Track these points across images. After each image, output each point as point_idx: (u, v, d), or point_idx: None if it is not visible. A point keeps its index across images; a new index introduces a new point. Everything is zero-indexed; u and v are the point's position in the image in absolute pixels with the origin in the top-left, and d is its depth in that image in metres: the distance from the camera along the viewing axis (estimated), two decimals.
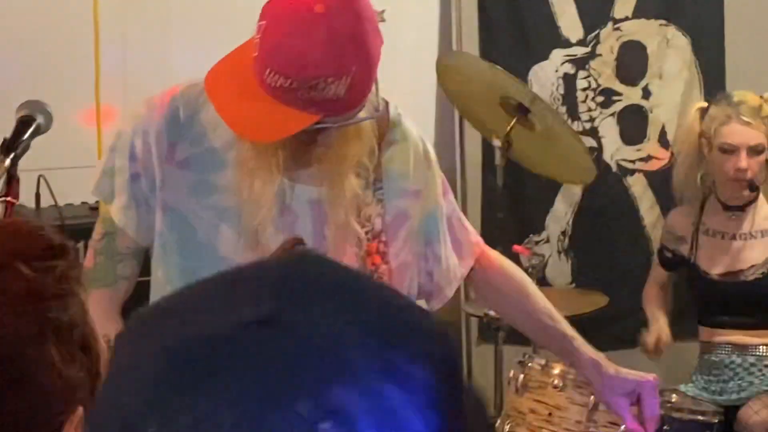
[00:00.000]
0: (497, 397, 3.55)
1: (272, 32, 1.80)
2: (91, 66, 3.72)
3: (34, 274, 1.16)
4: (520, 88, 3.51)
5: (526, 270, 3.71)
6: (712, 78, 4.48)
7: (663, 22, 4.48)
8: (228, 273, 0.80)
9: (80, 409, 1.16)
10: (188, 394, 0.67)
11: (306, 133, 1.87)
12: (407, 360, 0.70)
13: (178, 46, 3.84)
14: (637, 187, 4.52)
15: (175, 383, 0.68)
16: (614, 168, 4.50)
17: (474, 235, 2.29)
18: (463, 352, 4.34)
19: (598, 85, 4.47)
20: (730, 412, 3.43)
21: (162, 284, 2.05)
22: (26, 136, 1.99)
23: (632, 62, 4.48)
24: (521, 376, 3.12)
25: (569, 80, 4.43)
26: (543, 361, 3.11)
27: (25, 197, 3.40)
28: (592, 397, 2.61)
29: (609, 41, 4.46)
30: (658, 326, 3.67)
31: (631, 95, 4.49)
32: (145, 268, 2.13)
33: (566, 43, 4.43)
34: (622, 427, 2.24)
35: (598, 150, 4.44)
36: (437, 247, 2.16)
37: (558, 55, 4.42)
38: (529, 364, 3.13)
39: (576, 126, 4.41)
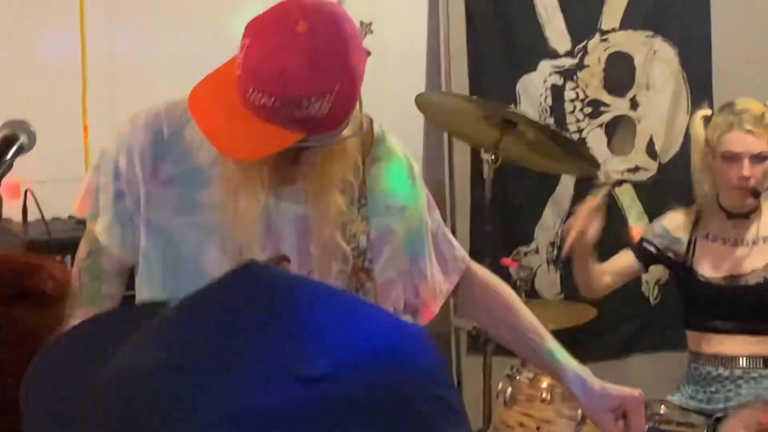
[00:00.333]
0: (486, 409, 3.54)
1: (255, 51, 1.80)
2: (78, 79, 3.72)
3: None
4: (496, 109, 3.51)
5: (514, 282, 3.73)
6: (699, 89, 4.49)
7: (650, 33, 4.49)
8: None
9: None
10: None
11: (290, 151, 1.86)
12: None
13: (165, 61, 3.83)
14: (625, 197, 4.53)
15: None
16: (603, 178, 4.49)
17: (459, 251, 2.29)
18: (452, 364, 4.33)
19: (586, 96, 4.47)
20: (717, 422, 3.44)
21: None
22: (9, 155, 1.98)
23: (620, 73, 4.49)
24: (509, 389, 3.13)
25: (557, 91, 4.44)
26: (531, 375, 3.11)
27: (13, 211, 3.41)
28: (580, 410, 2.61)
29: (596, 52, 4.47)
30: (581, 212, 3.59)
31: (618, 106, 4.50)
32: (131, 283, 2.13)
33: (554, 55, 4.43)
34: None
35: (591, 157, 4.44)
36: (423, 263, 2.15)
37: (546, 66, 4.43)
38: (518, 378, 3.14)
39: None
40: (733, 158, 3.45)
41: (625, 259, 3.75)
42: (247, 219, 1.93)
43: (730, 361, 3.60)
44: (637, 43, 4.49)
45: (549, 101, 4.43)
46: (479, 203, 4.09)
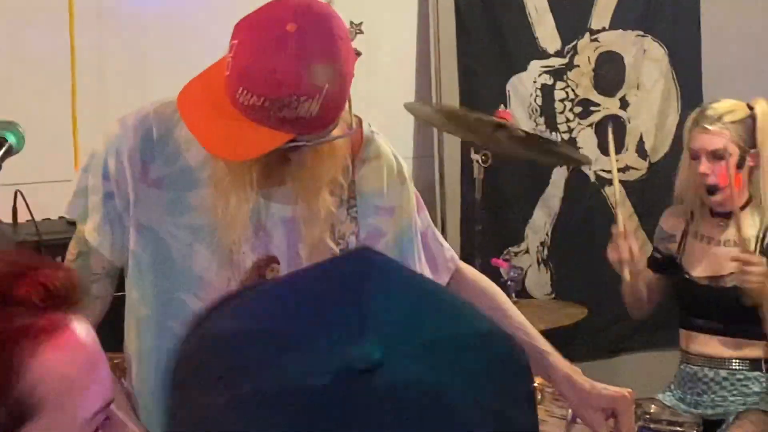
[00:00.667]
0: None
1: (244, 51, 1.80)
2: (67, 80, 3.71)
3: None
4: (488, 120, 3.51)
5: (505, 282, 3.73)
6: (689, 88, 4.50)
7: (640, 33, 4.50)
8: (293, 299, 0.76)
9: None
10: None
11: (279, 152, 1.86)
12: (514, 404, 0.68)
13: (155, 61, 3.83)
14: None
15: None
16: (593, 178, 4.51)
17: (448, 251, 2.29)
18: None
19: (576, 96, 4.48)
20: (706, 425, 3.45)
21: (136, 304, 2.04)
22: None
23: (610, 73, 4.49)
24: None
25: (547, 91, 4.44)
26: None
27: (2, 212, 3.40)
28: (570, 410, 2.61)
29: (586, 52, 4.47)
30: (623, 241, 3.64)
31: (608, 106, 4.51)
32: (121, 284, 2.12)
33: (544, 54, 4.43)
34: None
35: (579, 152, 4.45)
36: (412, 263, 2.15)
37: (536, 66, 4.43)
38: None
39: (554, 137, 4.41)
40: (694, 156, 3.53)
41: (651, 279, 3.80)
42: (237, 220, 1.93)
43: (714, 362, 3.61)
44: (626, 43, 4.50)
45: (539, 101, 4.43)
46: (470, 203, 4.09)
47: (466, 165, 4.21)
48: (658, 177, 4.45)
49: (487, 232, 4.15)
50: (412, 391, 0.66)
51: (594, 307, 3.94)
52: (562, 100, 4.46)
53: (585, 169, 4.47)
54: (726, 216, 3.59)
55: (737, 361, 3.60)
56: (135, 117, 2.01)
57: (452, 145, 4.26)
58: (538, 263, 4.48)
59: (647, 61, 4.52)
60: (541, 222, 4.48)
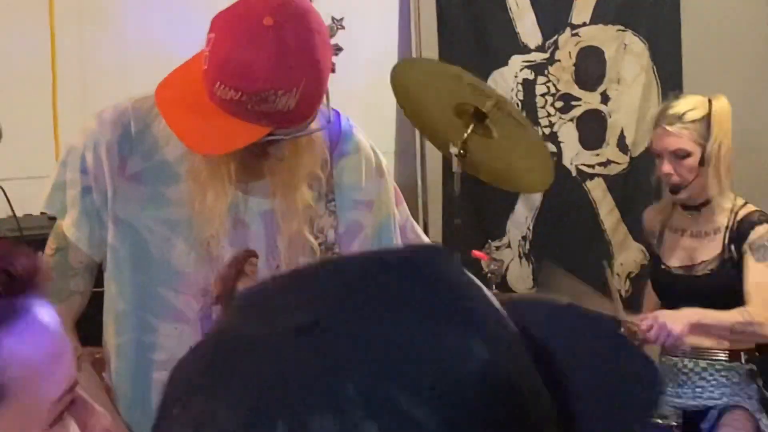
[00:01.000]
0: None
1: (221, 45, 1.80)
2: (48, 76, 3.70)
3: None
4: (483, 88, 3.49)
5: (485, 275, 3.73)
6: (670, 83, 4.50)
7: (620, 27, 4.50)
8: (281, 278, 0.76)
9: None
10: (202, 390, 0.67)
11: (257, 146, 1.86)
12: (410, 401, 0.64)
13: (135, 57, 3.82)
14: (597, 191, 4.54)
15: (198, 378, 0.68)
16: (574, 173, 4.52)
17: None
18: None
19: (557, 91, 4.48)
20: (686, 416, 3.47)
21: (115, 298, 2.04)
22: None
23: (590, 67, 4.50)
24: None
25: (528, 86, 4.45)
26: None
27: None
28: None
29: (567, 47, 4.48)
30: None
31: (589, 100, 4.52)
32: (99, 280, 2.12)
33: (525, 49, 4.44)
34: None
35: (558, 155, 4.45)
36: None
37: (517, 61, 4.44)
38: None
39: (536, 131, 4.42)
40: (657, 155, 3.56)
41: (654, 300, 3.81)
42: (215, 214, 1.93)
43: (694, 352, 3.64)
44: (607, 38, 4.51)
45: (520, 96, 4.43)
46: (451, 198, 4.09)
47: (447, 160, 4.22)
48: (639, 171, 4.46)
49: (470, 227, 4.16)
50: (311, 357, 0.66)
51: (575, 300, 3.94)
52: (543, 95, 4.47)
53: (566, 163, 4.48)
54: (695, 208, 3.63)
55: (717, 351, 3.63)
56: (113, 112, 2.01)
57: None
58: (520, 257, 4.49)
59: (628, 55, 4.52)
60: (522, 216, 4.49)
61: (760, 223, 3.55)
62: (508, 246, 4.47)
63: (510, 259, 4.46)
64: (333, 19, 2.56)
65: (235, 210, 1.97)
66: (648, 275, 3.84)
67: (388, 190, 2.16)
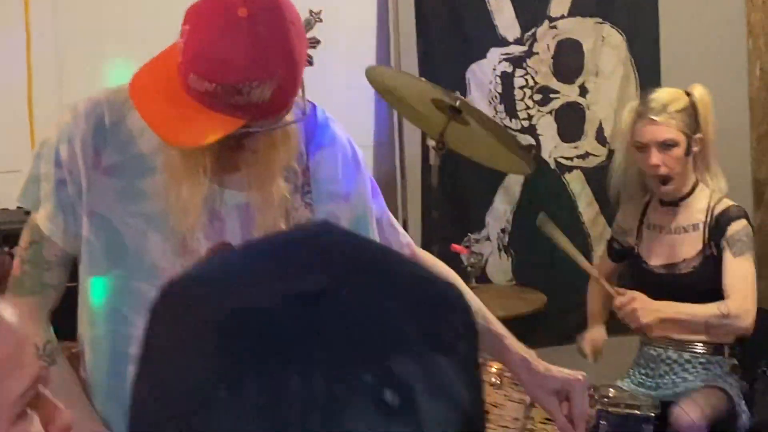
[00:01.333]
0: None
1: (196, 36, 1.78)
2: (23, 71, 3.68)
3: None
4: (445, 94, 3.51)
5: (465, 269, 3.74)
6: (648, 75, 4.52)
7: (598, 20, 4.51)
8: (259, 244, 0.81)
9: None
10: (255, 363, 0.69)
11: (233, 138, 1.85)
12: (450, 333, 0.73)
13: (111, 51, 3.80)
14: (576, 183, 4.55)
15: (238, 353, 0.70)
16: (553, 165, 4.53)
17: (404, 236, 2.29)
18: None
19: (536, 83, 4.49)
20: (665, 406, 3.48)
21: (90, 291, 2.03)
22: None
23: (569, 60, 4.51)
24: None
25: (507, 78, 4.45)
26: (481, 360, 3.12)
27: None
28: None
29: (545, 39, 4.48)
30: (592, 333, 3.73)
31: (568, 93, 4.52)
32: (74, 273, 2.11)
33: (503, 42, 4.44)
34: None
35: (537, 147, 4.46)
36: None
37: (495, 53, 4.44)
38: None
39: (514, 124, 4.43)
40: (642, 148, 3.57)
41: (605, 265, 3.92)
42: (190, 207, 1.92)
43: (678, 344, 3.65)
44: (586, 30, 4.51)
45: (499, 88, 4.44)
46: (430, 191, 4.09)
47: (425, 154, 4.22)
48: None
49: (449, 220, 4.16)
50: (364, 319, 0.71)
51: (552, 294, 3.96)
52: (521, 88, 4.47)
53: (545, 155, 4.49)
54: (674, 204, 3.64)
55: (701, 344, 3.64)
56: (86, 104, 1.99)
57: (411, 132, 4.26)
58: (499, 250, 4.50)
59: (606, 48, 4.53)
60: (501, 209, 4.49)
61: (738, 218, 3.57)
62: (488, 239, 4.48)
63: (489, 251, 4.47)
64: (311, 12, 2.55)
65: (210, 203, 1.96)
66: (629, 276, 3.85)
67: (365, 183, 2.16)
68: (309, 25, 2.47)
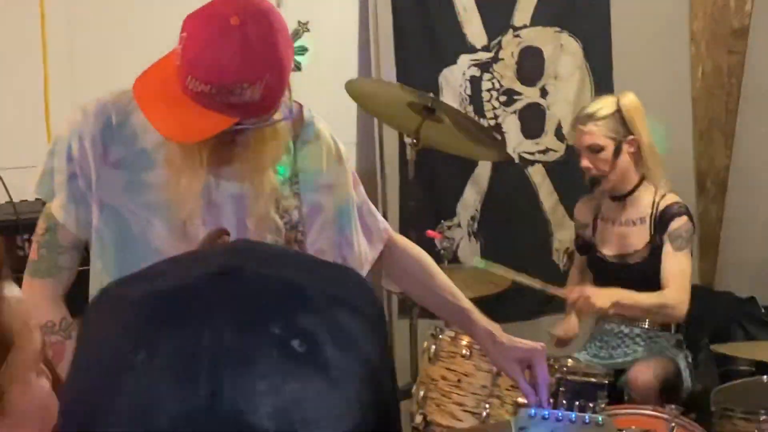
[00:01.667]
0: (413, 366, 3.56)
1: (192, 43, 1.79)
2: (39, 71, 3.66)
3: None
4: (419, 96, 3.52)
5: (438, 252, 3.74)
6: (601, 78, 4.53)
7: (557, 29, 4.51)
8: (182, 255, 0.82)
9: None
10: (170, 327, 0.69)
11: (226, 134, 1.85)
12: (352, 296, 0.75)
13: (123, 50, 3.77)
14: (537, 176, 4.56)
15: (156, 322, 0.70)
16: (517, 159, 4.53)
17: (382, 223, 2.29)
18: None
19: (501, 86, 4.49)
20: (618, 375, 3.50)
21: (100, 274, 2.03)
22: None
23: (531, 65, 4.51)
24: (433, 346, 3.14)
25: (475, 82, 4.45)
26: (453, 334, 3.12)
27: None
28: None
29: (510, 47, 4.48)
30: (569, 323, 3.72)
31: (530, 94, 4.53)
32: (86, 258, 2.11)
33: (472, 49, 4.44)
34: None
35: (502, 144, 4.46)
36: (350, 234, 2.15)
37: (465, 59, 4.43)
38: (440, 336, 3.15)
39: (482, 123, 4.43)
40: (578, 153, 3.63)
41: (576, 258, 3.95)
42: (189, 196, 1.92)
43: (631, 320, 3.67)
44: (546, 38, 4.51)
45: (468, 91, 4.44)
46: (407, 183, 4.09)
47: (402, 150, 4.22)
48: (574, 158, 4.46)
49: (424, 208, 4.17)
50: (269, 285, 0.72)
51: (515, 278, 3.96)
52: (488, 90, 4.47)
53: (510, 151, 4.49)
54: (621, 198, 3.66)
55: (651, 322, 3.66)
56: (95, 105, 2.00)
57: (390, 131, 4.27)
58: (469, 235, 4.50)
59: (564, 54, 4.54)
60: (471, 199, 4.49)
61: (680, 214, 3.57)
62: (459, 225, 4.48)
63: (460, 237, 4.47)
64: (299, 22, 2.55)
65: (207, 193, 1.96)
66: (586, 264, 3.86)
67: (347, 174, 2.16)
68: (297, 35, 2.46)
